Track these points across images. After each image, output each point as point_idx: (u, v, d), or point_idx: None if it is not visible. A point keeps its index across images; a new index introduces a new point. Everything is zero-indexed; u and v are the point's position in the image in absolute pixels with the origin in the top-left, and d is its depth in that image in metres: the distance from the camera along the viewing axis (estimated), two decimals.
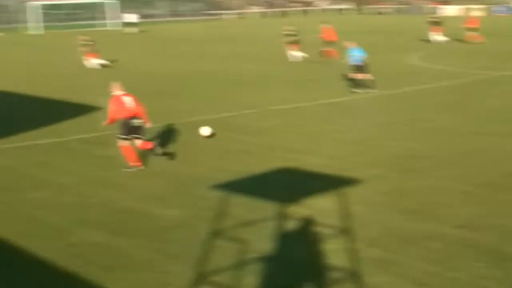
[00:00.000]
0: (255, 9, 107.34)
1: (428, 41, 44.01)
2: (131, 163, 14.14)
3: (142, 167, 14.21)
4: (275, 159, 14.73)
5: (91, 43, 35.53)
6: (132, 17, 71.18)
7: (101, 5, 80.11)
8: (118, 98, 14.09)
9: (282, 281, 8.55)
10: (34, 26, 72.32)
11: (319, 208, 11.23)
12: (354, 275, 8.52)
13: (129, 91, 14.65)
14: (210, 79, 28.95)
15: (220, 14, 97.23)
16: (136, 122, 14.03)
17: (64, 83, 28.94)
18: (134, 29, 67.95)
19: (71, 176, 13.94)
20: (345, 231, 10.10)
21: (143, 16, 77.75)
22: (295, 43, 35.50)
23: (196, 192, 12.41)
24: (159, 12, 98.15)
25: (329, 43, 35.08)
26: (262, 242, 9.70)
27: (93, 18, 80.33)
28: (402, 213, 10.93)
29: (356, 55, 24.28)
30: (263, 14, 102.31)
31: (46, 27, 72.30)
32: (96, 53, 35.21)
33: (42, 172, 14.30)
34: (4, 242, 10.22)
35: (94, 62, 34.57)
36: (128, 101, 14.10)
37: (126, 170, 14.01)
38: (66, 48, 45.51)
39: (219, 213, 11.11)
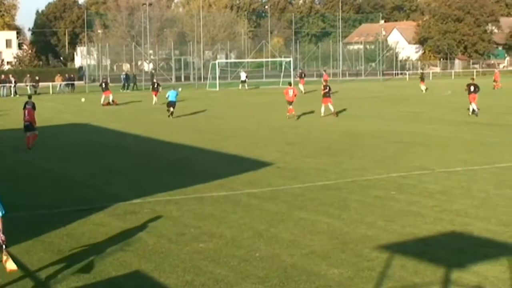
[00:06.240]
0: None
1: None
2: None
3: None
4: (444, 222, 14.24)
5: None
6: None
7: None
8: None
9: None
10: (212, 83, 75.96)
11: (489, 276, 10.69)
12: None
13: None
14: (387, 140, 28.54)
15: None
16: None
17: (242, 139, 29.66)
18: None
19: (238, 229, 14.22)
20: None
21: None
22: None
23: (361, 252, 12.23)
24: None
25: None
26: None
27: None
28: None
29: None
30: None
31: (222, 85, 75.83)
32: None
33: (209, 224, 14.68)
34: None
35: None
36: None
37: None
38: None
39: (382, 274, 10.87)
